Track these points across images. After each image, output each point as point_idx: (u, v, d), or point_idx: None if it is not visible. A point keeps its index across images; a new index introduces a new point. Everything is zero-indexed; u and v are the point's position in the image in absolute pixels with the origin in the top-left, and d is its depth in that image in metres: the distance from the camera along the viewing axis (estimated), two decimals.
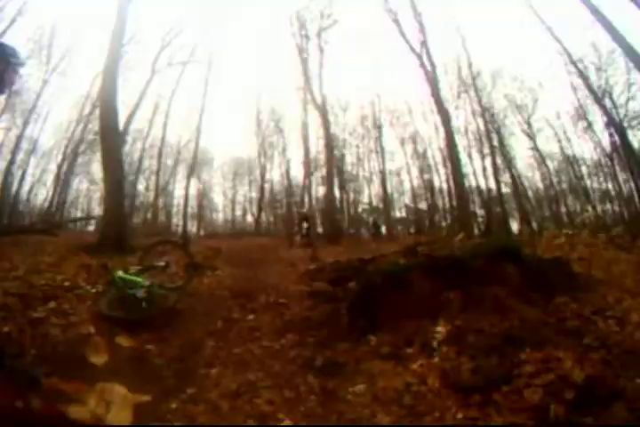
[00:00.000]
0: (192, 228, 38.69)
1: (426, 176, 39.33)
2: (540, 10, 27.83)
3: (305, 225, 23.51)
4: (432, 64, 25.94)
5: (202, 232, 41.41)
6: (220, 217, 48.51)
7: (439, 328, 4.97)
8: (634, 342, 4.76)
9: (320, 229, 29.42)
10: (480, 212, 34.83)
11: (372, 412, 4.03)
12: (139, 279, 7.08)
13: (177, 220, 40.59)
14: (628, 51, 18.41)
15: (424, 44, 26.13)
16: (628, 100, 27.60)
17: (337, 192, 33.34)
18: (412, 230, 39.74)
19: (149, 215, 38.17)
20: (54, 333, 5.74)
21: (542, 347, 4.46)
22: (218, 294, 8.35)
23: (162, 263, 8.07)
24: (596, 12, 19.60)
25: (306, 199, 33.78)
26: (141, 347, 5.49)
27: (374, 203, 40.74)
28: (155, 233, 26.82)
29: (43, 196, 37.22)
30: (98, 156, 25.63)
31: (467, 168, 32.09)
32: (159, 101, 36.17)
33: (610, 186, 33.07)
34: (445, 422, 3.80)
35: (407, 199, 42.46)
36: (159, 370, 4.94)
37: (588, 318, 5.46)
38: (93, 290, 7.74)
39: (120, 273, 7.23)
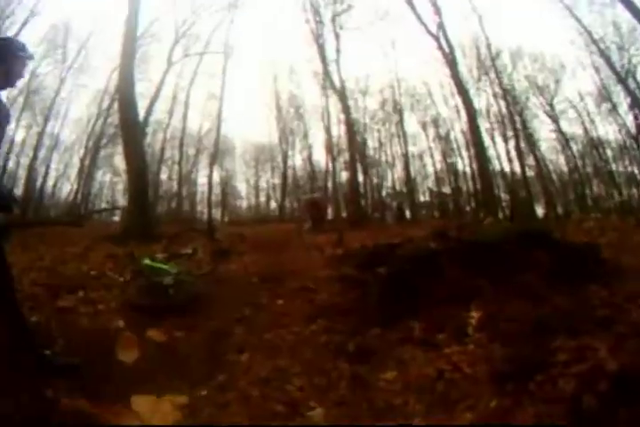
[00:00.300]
0: (216, 215, 38.80)
1: (449, 160, 39.05)
2: None
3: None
4: (450, 46, 25.72)
5: (226, 219, 41.50)
6: (243, 204, 48.62)
7: (472, 313, 4.86)
8: None
9: (344, 214, 29.37)
10: (504, 196, 34.46)
11: (403, 399, 3.94)
12: (166, 267, 7.09)
13: (201, 208, 40.83)
14: None
15: (440, 25, 25.86)
16: None
17: (360, 177, 33.19)
18: (435, 215, 39.50)
19: (173, 204, 38.41)
20: (82, 322, 5.75)
21: (575, 335, 4.33)
22: (245, 279, 8.29)
23: (188, 251, 8.08)
24: None
25: (329, 184, 33.73)
26: (172, 340, 5.45)
27: (398, 187, 40.56)
28: (179, 221, 26.99)
29: (67, 189, 37.66)
30: (120, 148, 25.87)
31: (490, 151, 31.67)
32: (177, 92, 36.33)
33: (636, 170, 32.31)
34: (478, 410, 3.69)
35: (430, 183, 42.21)
36: (188, 358, 4.91)
37: (619, 305, 5.30)
38: (121, 279, 7.76)
39: (147, 261, 7.25)
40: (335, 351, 4.93)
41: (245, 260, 10.68)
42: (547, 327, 4.58)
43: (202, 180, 40.44)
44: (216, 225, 22.92)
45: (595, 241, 7.83)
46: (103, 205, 41.87)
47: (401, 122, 37.11)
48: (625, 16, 21.43)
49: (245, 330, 5.72)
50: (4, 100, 4.16)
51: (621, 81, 25.94)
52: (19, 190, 32.01)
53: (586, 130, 33.49)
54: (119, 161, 34.31)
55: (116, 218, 33.56)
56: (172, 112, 36.81)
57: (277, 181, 43.99)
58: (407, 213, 34.11)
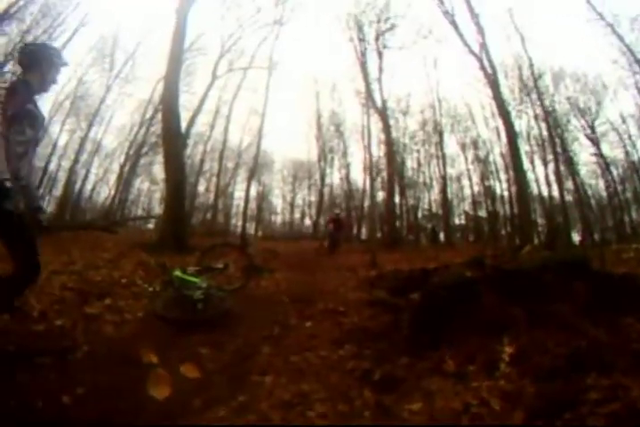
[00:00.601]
0: (250, 229, 39.02)
1: (487, 183, 38.76)
2: (598, 6, 26.85)
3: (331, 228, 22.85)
4: (492, 66, 25.52)
5: (260, 234, 41.71)
6: (278, 219, 48.89)
7: (503, 347, 4.72)
8: None
9: (379, 235, 29.28)
10: (540, 221, 34.07)
11: None
12: (196, 280, 7.04)
13: (235, 220, 41.25)
14: None
15: (483, 45, 25.71)
16: None
17: (397, 198, 33.09)
18: (470, 238, 39.24)
19: (208, 216, 38.64)
20: (107, 330, 5.73)
21: (609, 372, 4.18)
22: (275, 298, 8.27)
23: (220, 265, 8.01)
24: None
25: (366, 204, 33.71)
26: (197, 356, 5.35)
27: (434, 209, 40.43)
28: (213, 233, 27.15)
29: (105, 194, 38.37)
30: (160, 157, 26.30)
31: (528, 175, 31.29)
32: (220, 105, 36.80)
33: None
34: None
35: (467, 206, 41.98)
36: (211, 375, 4.83)
37: None
38: (150, 288, 7.78)
39: (178, 273, 7.21)
40: (361, 378, 4.81)
41: (277, 277, 10.68)
42: (580, 363, 4.43)
43: (238, 193, 40.99)
44: (249, 240, 23.02)
45: (634, 272, 7.63)
46: (139, 213, 42.38)
47: (440, 143, 37.03)
48: None
49: (271, 350, 5.63)
50: (39, 105, 4.21)
51: None
52: (57, 192, 32.68)
53: (627, 153, 32.92)
54: (158, 170, 35.04)
55: (151, 226, 33.95)
56: (214, 125, 37.31)
57: (314, 198, 44.26)
58: (441, 236, 33.88)
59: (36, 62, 3.96)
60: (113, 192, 36.27)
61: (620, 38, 26.06)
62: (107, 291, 7.29)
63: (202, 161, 37.63)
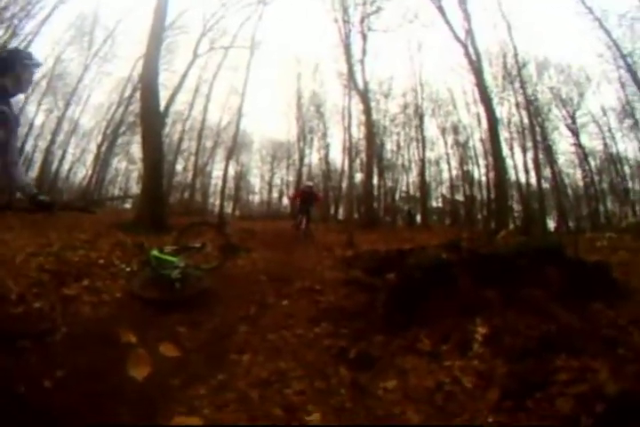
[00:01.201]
0: (228, 209, 38.86)
1: (465, 167, 38.85)
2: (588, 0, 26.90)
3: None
4: (477, 53, 25.47)
5: (237, 213, 41.56)
6: (256, 199, 48.67)
7: (476, 328, 4.83)
8: None
9: (356, 215, 29.30)
10: (517, 206, 34.29)
11: (401, 409, 3.94)
12: (174, 260, 7.05)
13: (213, 200, 40.89)
14: None
15: (469, 32, 25.64)
16: None
17: (375, 179, 33.07)
18: (447, 221, 39.40)
19: (186, 195, 38.42)
20: (85, 311, 5.74)
21: (578, 355, 4.32)
22: (252, 277, 8.29)
23: (197, 244, 8.01)
24: None
25: (344, 185, 33.68)
26: (175, 336, 5.39)
27: (411, 191, 40.44)
28: (191, 213, 27.01)
29: (82, 174, 37.83)
30: (138, 137, 25.85)
31: (507, 161, 31.48)
32: (200, 84, 36.18)
33: None
34: (475, 424, 3.70)
35: (445, 190, 42.03)
36: (189, 354, 4.85)
37: (624, 327, 5.27)
38: (127, 269, 7.78)
39: (155, 253, 7.21)
40: (337, 356, 4.93)
41: (254, 256, 10.68)
42: (551, 345, 4.57)
43: (216, 173, 40.44)
44: (227, 219, 22.95)
45: (606, 260, 7.76)
46: (117, 192, 42.00)
47: (421, 126, 36.81)
48: None
49: (249, 329, 5.70)
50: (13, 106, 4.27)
51: None
52: (34, 173, 32.29)
53: (605, 145, 32.99)
54: (136, 149, 34.35)
55: (129, 206, 33.71)
56: (193, 104, 36.67)
57: (292, 178, 43.97)
58: (418, 218, 34.00)
59: (9, 67, 4.02)
60: (90, 172, 35.78)
61: (608, 33, 26.07)
62: (84, 272, 7.26)
63: (180, 140, 37.11)
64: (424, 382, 4.32)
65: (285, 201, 44.15)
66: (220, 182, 32.06)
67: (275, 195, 46.42)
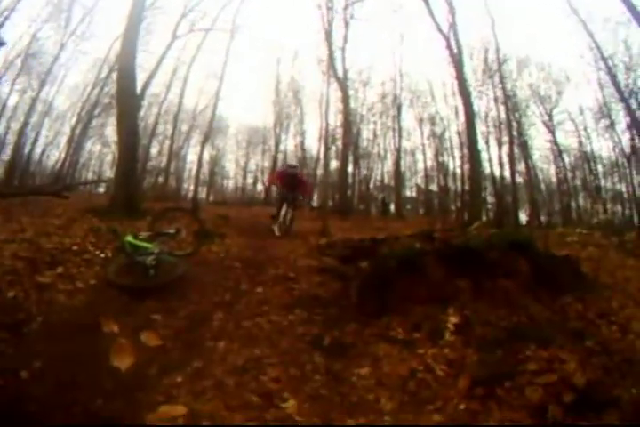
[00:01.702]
0: (202, 194, 38.67)
1: (440, 159, 39.06)
2: (574, 1, 27.19)
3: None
4: (459, 47, 25.53)
5: (211, 198, 41.43)
6: (230, 184, 48.43)
7: (447, 317, 4.95)
8: (634, 351, 4.78)
9: (330, 203, 29.35)
10: (490, 199, 34.65)
11: (375, 396, 4.06)
12: (148, 246, 7.04)
13: (187, 185, 40.71)
14: None
15: (452, 25, 25.65)
16: None
17: (350, 167, 33.10)
18: (421, 211, 39.60)
19: (160, 180, 38.13)
20: (60, 299, 5.73)
21: (547, 346, 4.46)
22: (227, 263, 8.28)
23: (172, 230, 8.00)
24: (632, 9, 19.17)
25: (319, 172, 33.67)
26: (150, 323, 5.39)
27: (386, 181, 40.54)
28: (165, 198, 26.88)
29: (55, 157, 37.25)
30: (112, 119, 25.59)
31: (482, 155, 31.79)
32: (178, 66, 35.65)
33: (623, 188, 32.61)
34: (447, 412, 3.82)
35: (419, 180, 42.17)
36: (166, 342, 4.91)
37: (592, 320, 5.47)
38: (102, 255, 7.72)
39: (129, 238, 7.19)
40: (312, 343, 5.01)
41: (228, 242, 10.65)
42: (521, 335, 4.71)
43: (191, 157, 40.21)
44: (201, 204, 22.84)
45: (576, 255, 7.93)
46: (90, 176, 41.58)
47: (398, 116, 36.88)
48: (637, 37, 21.43)
49: (224, 316, 5.72)
50: None
51: (624, 100, 25.91)
52: (5, 156, 31.83)
53: (580, 143, 33.66)
54: (111, 132, 33.72)
55: (102, 190, 33.42)
56: (170, 87, 36.13)
57: (267, 164, 43.85)
58: (392, 207, 34.16)
59: None
60: (63, 155, 35.20)
61: (591, 35, 26.35)
62: (58, 259, 7.17)
63: (156, 123, 36.51)
64: (397, 370, 4.42)
65: (260, 187, 44.03)
66: (194, 167, 31.77)
67: (249, 181, 46.28)
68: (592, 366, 4.20)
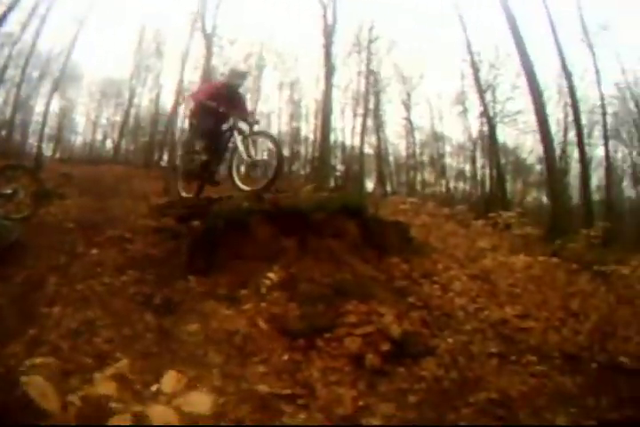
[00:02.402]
0: (48, 151, 36.93)
1: (294, 124, 39.45)
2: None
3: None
4: (334, 17, 25.97)
5: (58, 156, 39.66)
6: (79, 140, 46.31)
7: (271, 274, 5.22)
8: (453, 307, 5.40)
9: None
10: (340, 167, 35.80)
11: (204, 351, 4.32)
12: None
13: (33, 140, 38.60)
14: (524, 59, 19.88)
15: None
16: (507, 99, 30.04)
17: None
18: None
19: (3, 133, 35.96)
20: None
21: (368, 301, 4.91)
22: (64, 225, 8.04)
23: (8, 191, 7.77)
24: (510, 16, 20.55)
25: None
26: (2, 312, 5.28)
27: None
28: (6, 154, 25.58)
29: None
30: None
31: (337, 123, 33.33)
32: (39, 3, 32.92)
33: (467, 168, 36.31)
34: (272, 362, 4.19)
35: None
36: (0, 310, 4.88)
37: (415, 280, 6.03)
38: None
39: None
40: (143, 303, 5.22)
41: (68, 203, 10.41)
42: (344, 291, 5.17)
43: (39, 108, 37.82)
44: (44, 162, 21.97)
45: (408, 221, 8.54)
46: None
47: (259, 77, 36.91)
48: (508, 41, 22.68)
49: (58, 280, 5.70)
50: None
51: (480, 92, 28.44)
52: None
53: (433, 124, 37.11)
54: None
55: None
56: (27, 26, 33.35)
57: (119, 118, 42.27)
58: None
59: None
60: None
61: (464, 29, 28.78)
62: None
63: (5, 67, 33.60)
64: (224, 325, 4.72)
65: (109, 144, 42.45)
66: (41, 119, 30.26)
67: (99, 136, 44.50)
68: (411, 319, 4.72)
